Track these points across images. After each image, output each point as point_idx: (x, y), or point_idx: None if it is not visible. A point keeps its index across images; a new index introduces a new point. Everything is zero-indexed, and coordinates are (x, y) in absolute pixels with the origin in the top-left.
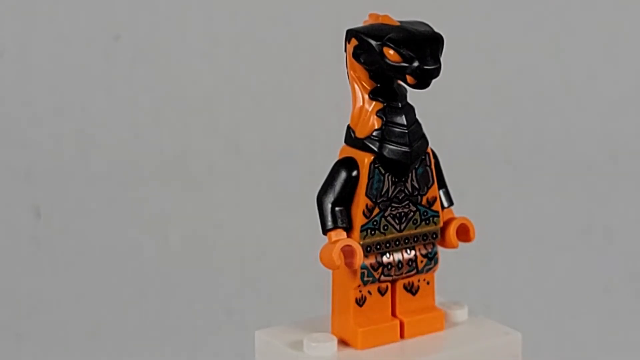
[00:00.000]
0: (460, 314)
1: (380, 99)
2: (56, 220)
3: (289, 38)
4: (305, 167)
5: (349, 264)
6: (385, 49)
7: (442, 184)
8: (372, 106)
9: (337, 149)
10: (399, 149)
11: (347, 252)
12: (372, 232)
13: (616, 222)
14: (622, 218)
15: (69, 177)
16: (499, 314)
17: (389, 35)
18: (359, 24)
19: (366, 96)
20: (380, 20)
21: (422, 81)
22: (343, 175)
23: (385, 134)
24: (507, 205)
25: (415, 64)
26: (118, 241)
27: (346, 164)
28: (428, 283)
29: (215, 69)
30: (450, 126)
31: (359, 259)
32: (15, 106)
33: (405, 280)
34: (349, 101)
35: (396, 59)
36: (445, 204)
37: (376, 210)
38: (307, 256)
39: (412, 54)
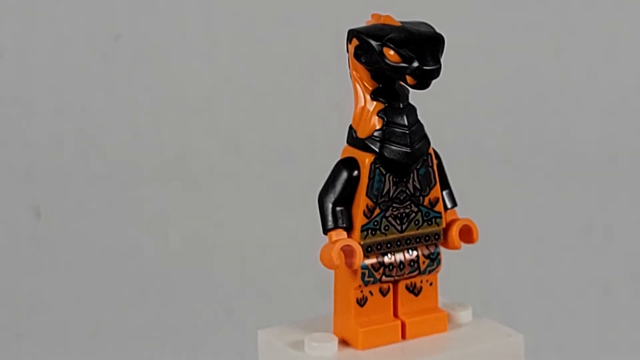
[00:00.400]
0: (464, 315)
1: (381, 99)
2: (56, 220)
3: (289, 38)
4: (305, 167)
5: (349, 264)
6: (385, 49)
7: (445, 185)
8: (373, 106)
9: (337, 149)
10: (400, 149)
11: (348, 252)
12: (373, 233)
13: (616, 222)
14: (622, 218)
15: (69, 177)
16: (498, 314)
17: (389, 36)
18: (358, 24)
19: (368, 96)
20: (382, 21)
21: (422, 81)
22: (344, 175)
23: (386, 135)
24: (507, 205)
25: (415, 64)
26: (118, 241)
27: (347, 164)
28: (431, 284)
29: (215, 69)
30: (450, 126)
31: (359, 259)
32: (15, 106)
33: (408, 281)
34: (349, 101)
35: (396, 59)
36: (449, 205)
37: (377, 211)
38: (307, 256)
39: (411, 55)
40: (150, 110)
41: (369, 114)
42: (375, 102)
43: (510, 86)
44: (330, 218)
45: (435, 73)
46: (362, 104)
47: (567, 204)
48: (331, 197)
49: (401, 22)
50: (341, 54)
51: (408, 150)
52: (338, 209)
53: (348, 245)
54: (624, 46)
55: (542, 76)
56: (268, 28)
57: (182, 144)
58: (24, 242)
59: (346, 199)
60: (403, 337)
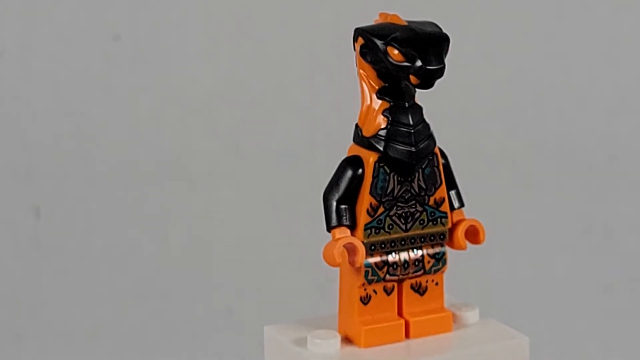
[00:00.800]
0: (471, 316)
1: (387, 98)
2: (56, 220)
3: (289, 38)
4: (306, 167)
5: (351, 262)
6: (389, 48)
7: (452, 185)
8: (378, 105)
9: (337, 149)
10: (404, 148)
11: (350, 250)
12: (377, 231)
13: (616, 222)
14: (622, 218)
15: (69, 177)
16: (498, 314)
17: (393, 35)
18: (358, 23)
19: (373, 95)
20: (388, 20)
21: (425, 81)
22: (349, 173)
23: (390, 134)
24: (507, 205)
25: (418, 63)
26: (118, 241)
27: (352, 162)
28: (437, 284)
29: (215, 69)
30: (450, 126)
31: (361, 257)
32: (15, 106)
33: (413, 281)
34: (349, 101)
35: (399, 58)
36: (456, 205)
37: (381, 209)
38: (307, 256)
39: (415, 54)
40: (150, 110)
41: (374, 112)
42: (380, 101)
43: (510, 86)
44: (333, 216)
45: (439, 73)
46: (368, 102)
47: (567, 204)
48: (335, 195)
49: (408, 22)
50: (341, 53)
51: (412, 149)
52: (342, 206)
53: (350, 243)
54: (624, 46)
55: (542, 76)
56: (268, 28)
57: (182, 144)
58: (24, 242)
59: (350, 197)
60: (407, 336)
